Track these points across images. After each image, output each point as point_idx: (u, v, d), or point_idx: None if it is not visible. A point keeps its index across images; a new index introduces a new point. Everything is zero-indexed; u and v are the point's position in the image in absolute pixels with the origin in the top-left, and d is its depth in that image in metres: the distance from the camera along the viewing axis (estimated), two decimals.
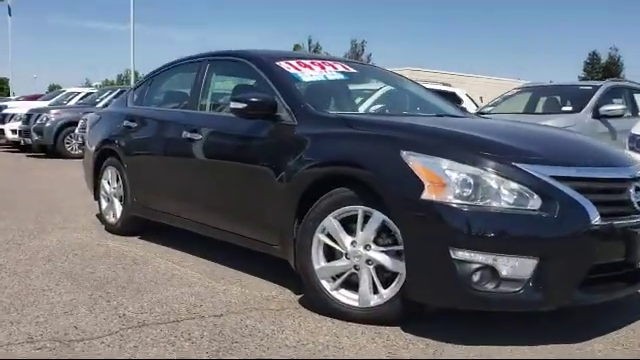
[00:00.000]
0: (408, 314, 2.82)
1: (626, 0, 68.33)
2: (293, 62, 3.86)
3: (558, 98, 8.29)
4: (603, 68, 53.53)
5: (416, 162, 2.66)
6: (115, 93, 14.24)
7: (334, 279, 2.98)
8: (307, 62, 3.92)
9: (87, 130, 5.58)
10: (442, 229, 2.54)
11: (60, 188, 8.01)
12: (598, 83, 7.94)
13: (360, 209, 2.86)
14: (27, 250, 4.34)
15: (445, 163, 2.62)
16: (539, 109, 8.42)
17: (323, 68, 3.91)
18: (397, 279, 2.79)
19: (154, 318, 2.96)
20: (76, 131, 12.24)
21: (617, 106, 7.33)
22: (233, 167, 3.65)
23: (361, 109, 4.44)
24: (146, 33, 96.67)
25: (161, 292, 3.39)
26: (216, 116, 4.04)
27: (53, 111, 13.66)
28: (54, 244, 4.56)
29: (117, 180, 4.95)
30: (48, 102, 17.03)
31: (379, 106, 4.39)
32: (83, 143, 11.82)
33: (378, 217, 2.81)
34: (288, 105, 3.41)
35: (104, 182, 5.12)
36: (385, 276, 2.86)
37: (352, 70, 4.11)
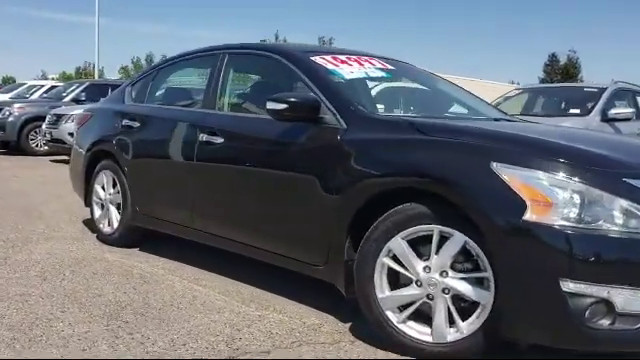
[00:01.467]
0: (492, 351, 2.43)
1: (582, 3, 69.79)
2: (328, 57, 3.45)
3: (557, 99, 8.08)
4: (562, 69, 54.55)
5: (513, 176, 2.28)
6: (83, 87, 13.55)
7: (401, 310, 2.58)
8: (342, 57, 3.51)
9: (75, 129, 5.04)
10: (550, 257, 2.17)
11: (33, 189, 7.39)
12: (603, 85, 7.74)
13: (436, 229, 2.47)
14: (15, 266, 3.81)
15: (549, 178, 2.25)
16: (537, 110, 8.18)
17: (361, 64, 3.50)
18: (479, 311, 2.42)
19: (191, 355, 2.51)
20: (43, 127, 11.56)
21: (626, 109, 7.14)
22: (265, 175, 3.21)
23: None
24: (104, 25, 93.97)
25: (188, 320, 2.93)
26: (242, 117, 3.58)
27: (16, 105, 12.83)
28: (45, 258, 4.03)
29: (114, 185, 4.44)
30: (8, 95, 16.12)
31: (411, 107, 3.99)
32: (53, 140, 11.24)
33: (459, 239, 2.42)
34: (333, 106, 2.99)
35: (97, 187, 4.60)
36: (463, 306, 2.47)
37: (390, 67, 3.71)
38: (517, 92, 8.73)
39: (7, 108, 12.62)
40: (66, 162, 11.46)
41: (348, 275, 2.78)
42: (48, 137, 11.26)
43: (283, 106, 2.94)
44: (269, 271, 3.45)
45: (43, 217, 5.55)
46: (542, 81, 46.02)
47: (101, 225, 4.57)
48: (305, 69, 3.26)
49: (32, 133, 12.61)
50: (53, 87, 15.61)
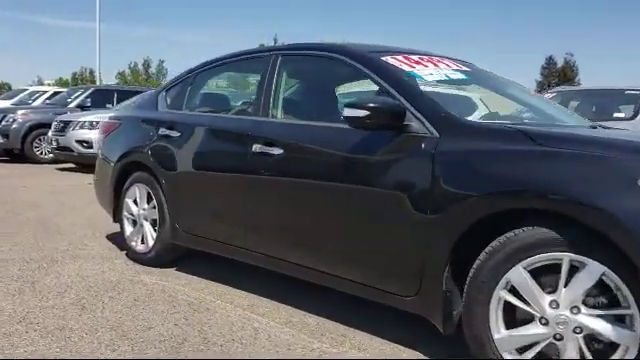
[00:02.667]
0: None
1: (581, 6, 69.77)
2: (399, 57, 3.08)
3: (593, 102, 7.75)
4: (559, 72, 54.44)
5: None
6: (88, 93, 13.16)
7: (520, 352, 2.20)
8: (415, 57, 3.15)
9: (100, 139, 4.64)
10: None
11: (44, 200, 6.98)
12: None
13: (566, 257, 2.10)
14: (46, 292, 3.42)
15: None
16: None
17: (436, 65, 3.14)
18: (621, 352, 2.04)
19: None
20: (49, 134, 11.16)
21: None
22: (338, 190, 2.83)
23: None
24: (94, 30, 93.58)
25: None
26: (306, 126, 3.19)
27: (20, 111, 12.42)
28: (76, 282, 3.64)
29: (148, 200, 4.05)
30: (10, 102, 15.70)
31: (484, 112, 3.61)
32: (60, 148, 10.82)
33: (595, 269, 2.05)
34: (421, 113, 2.61)
35: (129, 202, 4.21)
36: (597, 348, 2.10)
37: (465, 68, 3.34)
38: (550, 95, 8.38)
39: (11, 115, 12.21)
40: (73, 170, 11.11)
41: (446, 308, 2.41)
42: (55, 145, 10.86)
43: (364, 113, 2.56)
44: (330, 295, 3.07)
45: (62, 232, 5.15)
46: (539, 84, 45.86)
47: (133, 243, 4.18)
48: (379, 71, 2.89)
49: (37, 140, 12.20)
50: (56, 93, 15.20)
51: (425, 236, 2.45)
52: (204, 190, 3.61)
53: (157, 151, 3.92)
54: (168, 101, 4.18)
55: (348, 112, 2.61)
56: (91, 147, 10.36)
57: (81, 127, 10.59)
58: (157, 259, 4.01)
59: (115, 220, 4.42)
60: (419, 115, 2.61)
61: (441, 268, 2.40)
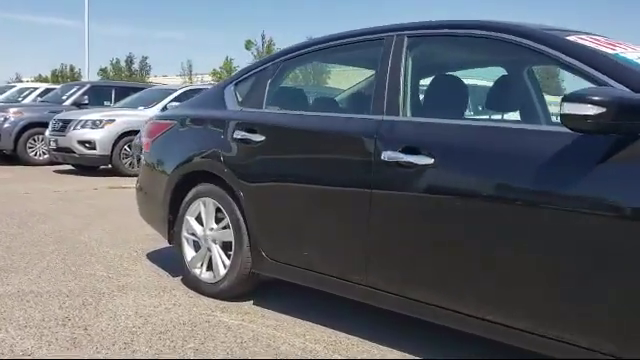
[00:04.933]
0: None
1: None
2: (585, 37, 2.36)
3: None
4: None
5: None
6: (84, 89, 12.28)
7: None
8: (599, 38, 2.43)
9: (145, 142, 3.85)
10: None
11: (55, 210, 6.15)
12: None
13: None
14: (108, 342, 2.65)
15: None
16: None
17: (615, 47, 2.41)
18: None
19: None
20: (46, 134, 10.27)
21: None
22: (537, 216, 2.08)
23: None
24: (77, 28, 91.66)
25: None
26: (480, 127, 2.41)
27: (12, 110, 11.48)
28: (139, 325, 2.88)
29: (218, 218, 3.29)
30: None
31: None
32: (59, 149, 9.92)
33: None
34: None
35: (190, 220, 3.44)
36: None
37: None
38: None
39: (1, 113, 11.30)
40: (72, 172, 10.21)
41: None
42: (53, 145, 9.99)
43: (598, 110, 1.83)
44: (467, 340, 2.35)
45: (91, 251, 4.36)
46: None
47: (196, 270, 3.41)
48: (582, 56, 2.16)
49: (30, 141, 11.30)
50: (48, 90, 14.22)
51: None
52: (304, 208, 2.86)
53: (233, 158, 3.16)
54: (239, 97, 3.41)
55: (570, 109, 1.88)
56: (94, 148, 9.57)
57: (82, 126, 9.74)
58: (230, 291, 3.25)
59: (170, 241, 3.64)
60: None
61: None
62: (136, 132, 9.45)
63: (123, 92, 12.46)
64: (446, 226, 2.32)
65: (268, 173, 3.00)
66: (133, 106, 10.53)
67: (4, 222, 5.37)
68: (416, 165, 2.37)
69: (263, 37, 42.19)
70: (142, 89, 12.35)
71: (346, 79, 3.45)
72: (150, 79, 47.23)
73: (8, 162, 11.27)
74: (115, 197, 7.39)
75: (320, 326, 2.92)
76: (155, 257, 4.26)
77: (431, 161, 2.33)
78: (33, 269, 3.82)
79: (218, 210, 3.30)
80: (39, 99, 13.53)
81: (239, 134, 3.15)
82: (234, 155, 3.16)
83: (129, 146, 9.69)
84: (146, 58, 49.26)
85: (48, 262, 4.01)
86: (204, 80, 41.90)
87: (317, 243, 2.81)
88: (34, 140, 11.28)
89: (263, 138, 3.03)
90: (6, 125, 11.11)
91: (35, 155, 11.32)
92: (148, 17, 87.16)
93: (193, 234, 3.45)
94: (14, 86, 16.35)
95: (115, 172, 9.75)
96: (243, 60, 52.06)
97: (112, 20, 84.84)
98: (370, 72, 3.06)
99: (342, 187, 2.68)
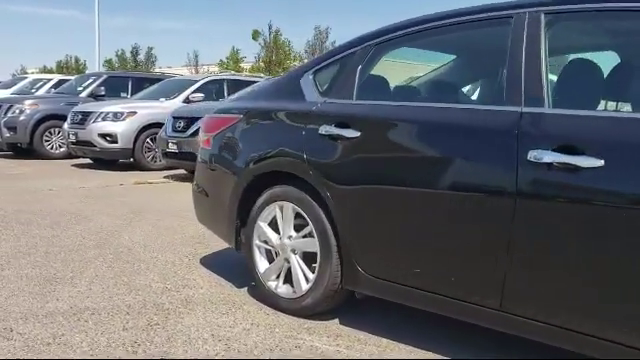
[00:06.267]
0: None
1: None
2: None
3: None
4: None
5: None
6: (101, 80, 11.85)
7: None
8: None
9: (206, 138, 3.44)
10: None
11: (86, 209, 5.76)
12: None
13: None
14: None
15: None
16: None
17: None
18: None
19: None
20: (65, 126, 9.88)
21: None
22: None
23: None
24: (80, 19, 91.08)
25: None
26: None
27: (28, 102, 11.08)
28: (221, 350, 2.51)
29: (297, 225, 2.89)
30: (9, 91, 14.31)
31: None
32: (79, 142, 9.52)
33: None
34: None
35: (263, 226, 3.04)
36: None
37: None
38: None
39: (17, 105, 10.89)
40: (92, 167, 9.78)
41: None
42: (72, 139, 9.59)
43: None
44: None
45: (140, 258, 3.97)
46: None
47: (271, 283, 3.02)
48: None
49: (47, 134, 10.90)
50: (62, 81, 13.80)
51: None
52: (417, 217, 2.45)
53: (320, 157, 2.75)
54: (321, 86, 3.00)
55: None
56: (115, 141, 9.17)
57: (103, 119, 9.34)
58: (313, 308, 2.85)
59: (238, 248, 3.24)
60: None
61: None
62: (158, 125, 9.05)
63: (140, 83, 12.06)
64: (619, 243, 1.91)
65: (366, 174, 2.60)
66: (154, 97, 10.11)
67: (35, 223, 4.99)
68: (578, 168, 1.96)
69: (270, 27, 41.55)
70: (159, 80, 11.91)
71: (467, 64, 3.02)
72: (155, 70, 46.71)
73: (24, 156, 10.90)
74: (144, 194, 7.01)
75: (430, 352, 2.52)
76: (209, 263, 3.88)
77: (600, 163, 1.92)
78: (81, 279, 3.44)
79: (297, 216, 2.90)
80: (53, 90, 13.12)
81: (326, 129, 2.74)
82: (320, 153, 2.75)
83: (151, 139, 9.29)
84: (152, 49, 48.52)
85: (95, 271, 3.62)
86: (211, 71, 41.40)
87: (434, 258, 2.40)
88: (50, 133, 10.89)
89: (358, 134, 2.62)
90: (22, 118, 10.72)
91: (52, 148, 10.93)
92: (150, 8, 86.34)
93: (266, 242, 3.06)
94: (26, 77, 15.93)
95: (136, 166, 9.36)
96: (250, 51, 51.49)
97: (114, 11, 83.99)
98: (484, 57, 2.64)
99: (471, 192, 2.28)
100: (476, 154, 2.26)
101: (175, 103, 9.52)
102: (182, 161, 8.20)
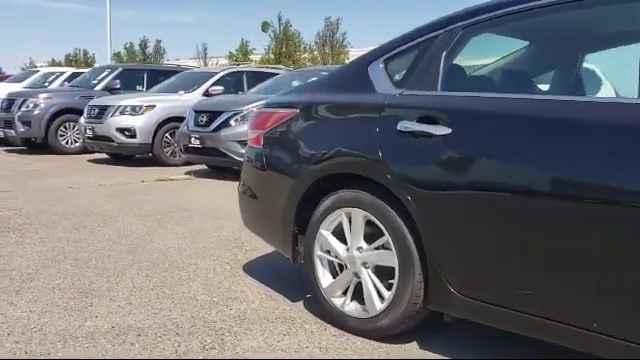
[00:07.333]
0: None
1: None
2: None
3: None
4: None
5: None
6: (116, 73, 11.54)
7: None
8: None
9: (255, 136, 3.09)
10: None
11: (110, 208, 5.44)
12: None
13: None
14: None
15: None
16: None
17: None
18: None
19: None
20: (81, 121, 9.56)
21: None
22: None
23: None
24: (87, 12, 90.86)
25: None
26: None
27: (42, 95, 10.77)
28: None
29: (368, 236, 2.53)
30: (21, 85, 14.01)
31: None
32: (96, 137, 9.18)
33: None
34: None
35: (326, 235, 2.69)
36: None
37: None
38: None
39: (31, 99, 10.59)
40: (109, 162, 9.44)
41: None
42: (89, 134, 9.27)
43: None
44: None
45: (178, 265, 3.64)
46: None
47: (337, 300, 2.67)
48: None
49: (61, 128, 10.59)
50: (75, 74, 13.49)
51: None
52: (528, 227, 2.07)
53: (399, 157, 2.39)
54: (395, 76, 2.64)
55: None
56: (134, 136, 8.85)
57: (122, 113, 9.02)
58: (389, 330, 2.51)
59: (295, 260, 2.89)
60: None
61: None
62: (177, 119, 8.71)
63: (155, 76, 11.74)
64: None
65: (461, 177, 2.23)
66: (172, 90, 9.77)
67: (60, 225, 4.66)
68: None
69: (280, 18, 41.13)
70: (174, 73, 11.57)
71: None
72: (164, 63, 46.38)
73: (38, 151, 10.61)
74: (168, 191, 6.68)
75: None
76: (253, 271, 3.54)
77: None
78: (118, 291, 3.10)
79: (368, 224, 2.55)
80: (66, 84, 12.80)
81: (406, 125, 2.38)
82: (400, 153, 2.40)
83: (171, 134, 8.96)
84: (160, 42, 48.23)
85: (132, 281, 3.29)
86: (220, 63, 41.05)
87: (548, 279, 2.04)
88: (65, 128, 10.58)
89: (449, 131, 2.26)
90: (36, 112, 10.42)
91: (67, 143, 10.63)
92: (158, 0, 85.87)
93: (328, 252, 2.71)
94: (37, 71, 15.61)
95: (154, 162, 9.03)
96: (259, 43, 50.98)
97: (122, 3, 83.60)
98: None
99: (599, 201, 1.91)
100: (609, 155, 1.89)
101: (194, 96, 9.19)
102: (205, 156, 7.86)
